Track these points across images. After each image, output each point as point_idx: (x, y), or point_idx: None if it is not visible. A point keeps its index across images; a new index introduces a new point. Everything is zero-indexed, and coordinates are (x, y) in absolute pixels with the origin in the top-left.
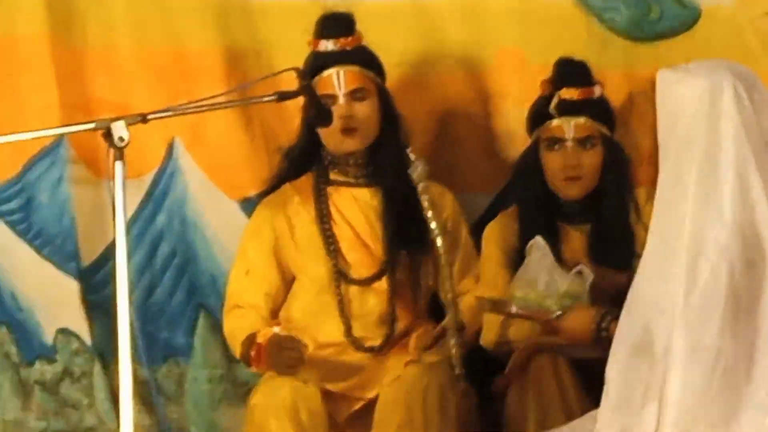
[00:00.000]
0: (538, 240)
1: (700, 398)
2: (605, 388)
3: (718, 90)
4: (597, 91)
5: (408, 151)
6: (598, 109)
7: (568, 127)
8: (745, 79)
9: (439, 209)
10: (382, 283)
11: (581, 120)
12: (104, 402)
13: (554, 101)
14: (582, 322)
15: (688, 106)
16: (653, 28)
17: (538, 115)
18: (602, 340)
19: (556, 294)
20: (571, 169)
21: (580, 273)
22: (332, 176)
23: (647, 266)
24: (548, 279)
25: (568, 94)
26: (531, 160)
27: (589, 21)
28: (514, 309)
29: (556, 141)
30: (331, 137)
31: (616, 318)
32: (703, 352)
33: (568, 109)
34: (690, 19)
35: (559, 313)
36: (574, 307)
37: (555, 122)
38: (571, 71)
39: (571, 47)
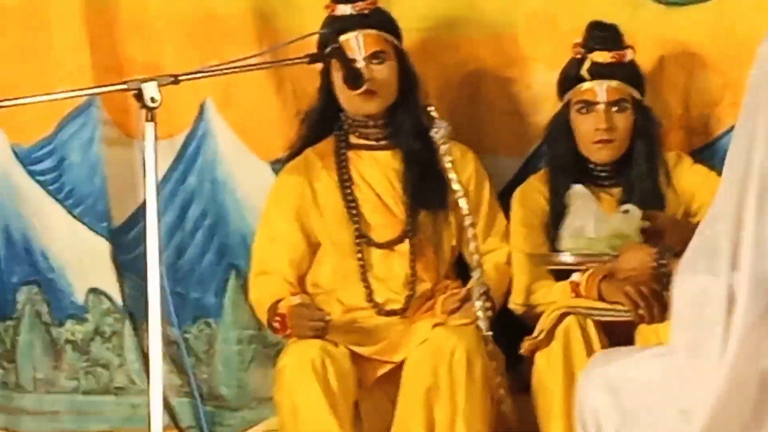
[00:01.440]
0: (578, 187)
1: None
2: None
3: None
4: (629, 54)
5: (431, 111)
6: (630, 73)
7: (600, 90)
8: None
9: (461, 169)
10: (405, 245)
11: (613, 83)
12: (134, 362)
13: (586, 64)
14: (640, 260)
15: None
16: None
17: (570, 78)
18: (663, 276)
19: (605, 237)
20: (602, 132)
21: (627, 212)
22: (353, 140)
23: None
24: (595, 223)
25: (601, 57)
26: (561, 123)
27: None
28: (568, 259)
29: (588, 104)
30: (351, 100)
31: (677, 255)
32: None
33: (600, 72)
34: None
35: (612, 255)
36: (628, 246)
37: (587, 85)
38: (603, 34)
39: (602, 11)
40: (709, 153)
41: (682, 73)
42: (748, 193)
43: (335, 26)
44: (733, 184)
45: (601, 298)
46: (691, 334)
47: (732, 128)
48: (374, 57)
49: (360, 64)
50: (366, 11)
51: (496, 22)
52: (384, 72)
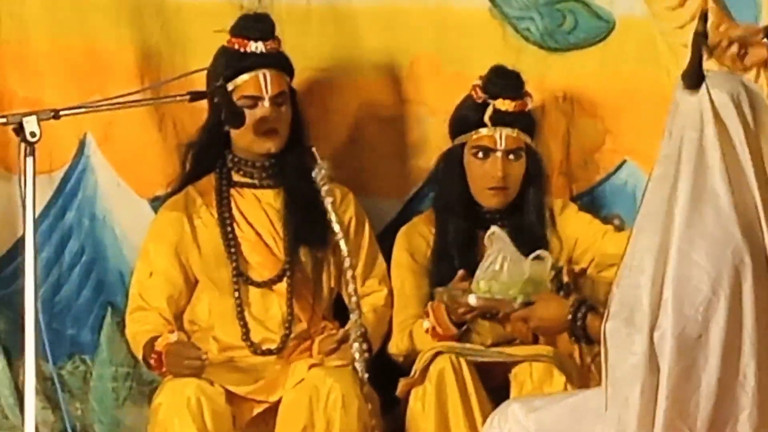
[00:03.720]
0: (498, 230)
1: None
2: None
3: (728, 103)
4: (529, 103)
5: (313, 151)
6: (527, 121)
7: (501, 138)
8: (755, 96)
9: (342, 211)
10: (283, 285)
11: (513, 132)
12: (8, 398)
13: (489, 111)
14: (555, 311)
15: (695, 115)
16: (567, 38)
17: (468, 121)
18: (576, 329)
19: (519, 282)
20: (498, 179)
21: (539, 258)
22: (235, 178)
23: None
24: (511, 267)
25: (504, 105)
26: (453, 164)
27: (504, 29)
28: (473, 301)
29: (486, 150)
30: (246, 138)
31: (592, 309)
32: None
33: (501, 120)
34: (604, 30)
35: (521, 301)
36: (542, 295)
37: (487, 131)
38: (508, 82)
39: (486, 55)
40: (588, 200)
41: (563, 119)
42: (670, 248)
43: (242, 62)
44: (653, 237)
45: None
46: (616, 387)
47: (611, 175)
48: (278, 97)
49: (266, 103)
50: (274, 51)
51: (380, 64)
52: (285, 113)
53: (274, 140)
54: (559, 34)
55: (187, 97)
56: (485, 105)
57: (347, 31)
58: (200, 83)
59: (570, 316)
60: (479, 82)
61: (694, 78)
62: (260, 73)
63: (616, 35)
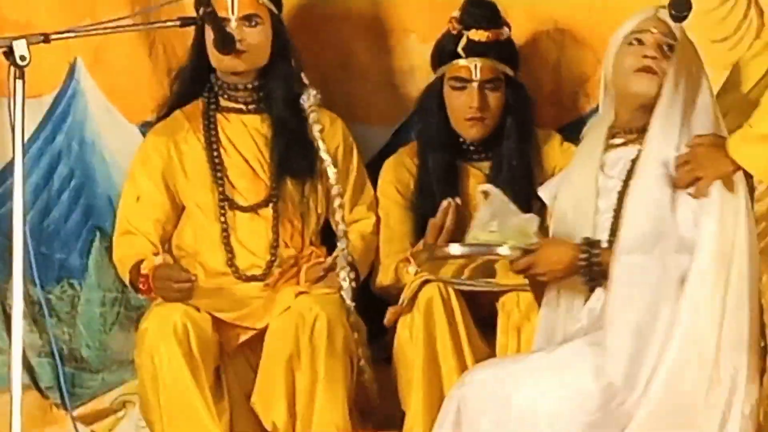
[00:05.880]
0: (491, 187)
1: None
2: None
3: None
4: (505, 32)
5: (302, 77)
6: (504, 51)
7: (475, 68)
8: None
9: (330, 137)
10: (269, 210)
11: (488, 62)
12: None
13: (462, 42)
14: (565, 253)
15: None
16: None
17: (445, 53)
18: (593, 266)
19: (510, 232)
20: (474, 110)
21: (530, 216)
22: (223, 103)
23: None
24: (501, 218)
25: (477, 35)
26: (434, 96)
27: None
28: (457, 250)
29: (462, 81)
30: (220, 57)
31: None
32: None
33: (475, 50)
34: None
35: (512, 246)
36: (546, 240)
37: (461, 62)
38: (480, 12)
39: None
40: (578, 129)
41: (554, 49)
42: None
43: None
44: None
45: None
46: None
47: None
48: (247, 19)
49: (233, 24)
50: None
51: None
52: (255, 35)
53: (242, 60)
54: None
55: (178, 22)
56: (460, 36)
57: None
58: (192, 9)
59: (584, 255)
60: (457, 13)
61: (681, 7)
62: None
63: None
